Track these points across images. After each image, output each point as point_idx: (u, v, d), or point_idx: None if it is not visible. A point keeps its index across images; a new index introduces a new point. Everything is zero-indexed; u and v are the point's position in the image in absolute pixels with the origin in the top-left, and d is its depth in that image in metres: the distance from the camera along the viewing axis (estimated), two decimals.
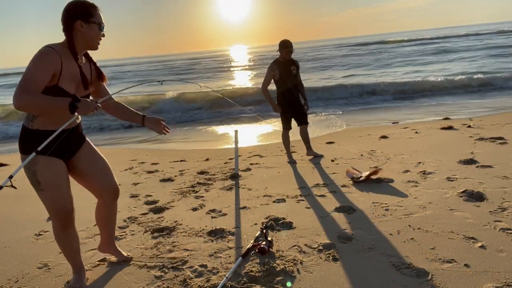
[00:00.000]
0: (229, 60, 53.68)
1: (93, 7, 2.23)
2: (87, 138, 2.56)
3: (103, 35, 2.31)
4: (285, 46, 5.37)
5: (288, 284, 2.38)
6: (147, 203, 4.21)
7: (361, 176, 4.30)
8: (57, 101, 2.04)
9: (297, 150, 6.50)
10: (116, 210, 2.73)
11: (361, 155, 5.70)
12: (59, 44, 2.20)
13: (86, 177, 2.51)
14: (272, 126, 10.23)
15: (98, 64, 2.46)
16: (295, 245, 2.88)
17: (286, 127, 5.66)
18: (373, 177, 4.28)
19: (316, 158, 5.71)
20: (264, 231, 2.97)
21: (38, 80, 2.04)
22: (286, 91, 5.52)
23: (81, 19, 2.18)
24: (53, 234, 2.42)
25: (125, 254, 2.86)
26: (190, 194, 4.41)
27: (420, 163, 4.93)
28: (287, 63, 5.47)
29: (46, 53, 2.07)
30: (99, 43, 2.31)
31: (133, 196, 4.52)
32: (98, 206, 2.69)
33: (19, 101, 1.97)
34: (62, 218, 2.32)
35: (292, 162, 5.59)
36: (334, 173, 4.87)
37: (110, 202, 2.64)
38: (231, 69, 37.65)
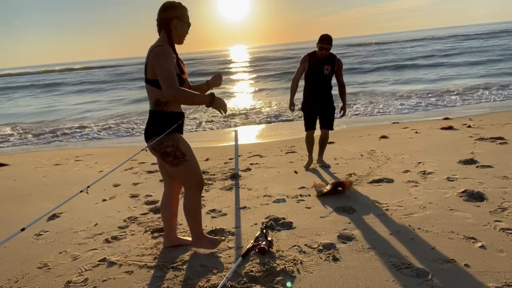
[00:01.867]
0: (227, 61, 53.65)
1: (185, 9, 2.59)
2: None
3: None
4: (319, 41, 4.74)
5: (288, 284, 2.38)
6: (147, 203, 4.21)
7: (326, 189, 3.96)
8: (200, 96, 2.51)
9: (297, 150, 6.51)
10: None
11: (361, 155, 5.70)
12: (162, 42, 2.54)
13: None
14: (273, 125, 10.23)
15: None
16: (295, 245, 2.88)
17: (306, 128, 5.13)
18: (340, 188, 3.94)
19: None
20: (264, 231, 2.96)
21: (174, 75, 2.44)
22: (311, 89, 4.98)
23: (177, 18, 2.54)
24: (191, 205, 2.73)
25: (189, 238, 3.03)
26: None
27: (420, 163, 4.93)
28: (320, 60, 4.83)
29: (168, 52, 2.46)
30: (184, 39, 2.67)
31: (133, 196, 4.52)
32: (175, 196, 2.91)
33: (176, 95, 2.40)
34: (201, 182, 2.73)
35: (308, 168, 5.17)
36: (334, 173, 4.87)
37: (196, 192, 2.77)
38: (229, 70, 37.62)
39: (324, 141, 5.18)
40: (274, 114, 11.63)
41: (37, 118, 15.24)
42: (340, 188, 3.94)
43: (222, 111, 2.65)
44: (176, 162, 2.62)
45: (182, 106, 2.70)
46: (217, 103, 2.57)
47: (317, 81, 4.90)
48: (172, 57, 2.47)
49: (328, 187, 3.96)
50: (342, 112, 5.06)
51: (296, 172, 4.80)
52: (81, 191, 2.22)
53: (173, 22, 2.54)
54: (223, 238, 3.06)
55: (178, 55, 2.67)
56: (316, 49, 4.83)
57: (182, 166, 2.63)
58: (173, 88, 2.39)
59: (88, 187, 2.27)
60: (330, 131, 5.11)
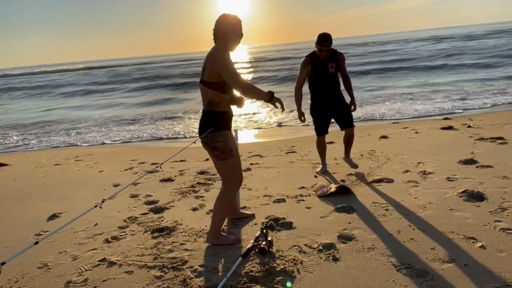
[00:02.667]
0: None
1: (240, 21, 2.92)
2: None
3: None
4: (318, 42, 4.44)
5: (288, 284, 2.38)
6: (147, 203, 4.21)
7: (329, 189, 3.97)
8: (262, 92, 2.80)
9: (297, 150, 6.51)
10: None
11: (361, 155, 5.69)
12: (219, 48, 2.83)
13: None
14: (273, 126, 10.23)
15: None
16: (295, 245, 2.88)
17: (317, 132, 4.82)
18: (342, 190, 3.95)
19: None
20: (264, 231, 2.97)
21: (238, 73, 2.76)
22: (320, 91, 4.69)
23: (232, 29, 2.86)
24: (226, 200, 2.97)
25: (249, 213, 3.60)
26: (190, 194, 4.41)
27: (420, 163, 4.93)
28: (323, 59, 4.55)
29: (227, 56, 2.80)
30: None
31: (133, 196, 4.52)
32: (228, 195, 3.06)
33: (244, 89, 2.74)
34: (241, 178, 3.03)
35: (321, 174, 4.89)
36: (334, 173, 4.86)
37: (236, 187, 3.03)
38: None
39: (350, 139, 4.81)
40: (275, 117, 11.63)
41: (36, 119, 15.25)
42: (342, 190, 3.94)
43: (280, 107, 2.91)
44: (224, 156, 2.90)
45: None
46: (276, 99, 2.86)
47: (324, 81, 4.63)
48: (231, 60, 2.80)
49: (333, 189, 3.95)
50: (352, 107, 4.74)
51: (316, 177, 4.71)
52: (96, 206, 2.38)
53: (228, 33, 2.84)
54: (238, 238, 3.09)
55: None
56: (315, 49, 4.57)
57: (228, 161, 2.92)
58: (241, 83, 2.73)
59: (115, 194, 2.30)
60: (353, 128, 4.73)
